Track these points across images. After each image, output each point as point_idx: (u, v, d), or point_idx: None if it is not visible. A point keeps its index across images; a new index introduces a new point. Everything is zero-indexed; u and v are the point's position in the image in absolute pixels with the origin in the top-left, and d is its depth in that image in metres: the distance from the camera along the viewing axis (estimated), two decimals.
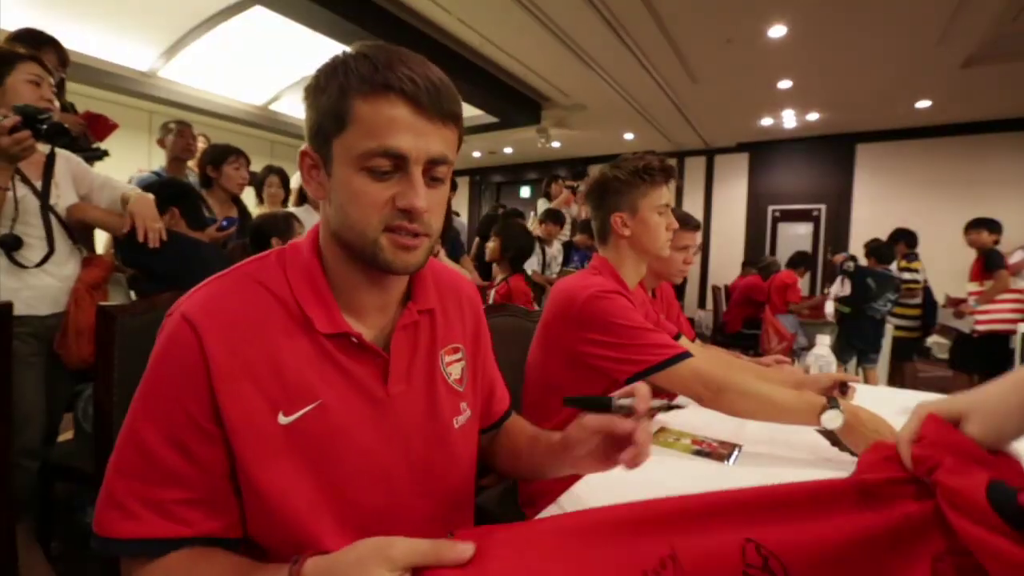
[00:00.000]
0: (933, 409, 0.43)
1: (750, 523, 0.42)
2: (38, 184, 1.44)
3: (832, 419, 0.90)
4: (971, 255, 3.71)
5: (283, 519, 0.54)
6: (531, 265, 4.26)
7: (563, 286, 1.17)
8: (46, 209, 1.44)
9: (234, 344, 0.53)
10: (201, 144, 2.88)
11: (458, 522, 0.69)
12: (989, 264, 3.45)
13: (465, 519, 0.72)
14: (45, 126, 1.31)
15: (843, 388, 1.15)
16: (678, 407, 0.62)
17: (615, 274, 1.22)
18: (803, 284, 5.25)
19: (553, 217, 4.44)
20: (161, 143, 2.62)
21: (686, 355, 1.05)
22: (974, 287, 3.61)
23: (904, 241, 4.15)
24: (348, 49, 0.56)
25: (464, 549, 0.42)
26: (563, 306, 1.14)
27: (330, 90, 0.53)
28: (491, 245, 2.92)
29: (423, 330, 0.66)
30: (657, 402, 0.58)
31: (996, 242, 3.57)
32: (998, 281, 3.37)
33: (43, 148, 1.46)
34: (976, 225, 3.64)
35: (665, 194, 1.19)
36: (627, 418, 0.55)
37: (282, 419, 0.54)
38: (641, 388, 0.57)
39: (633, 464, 0.55)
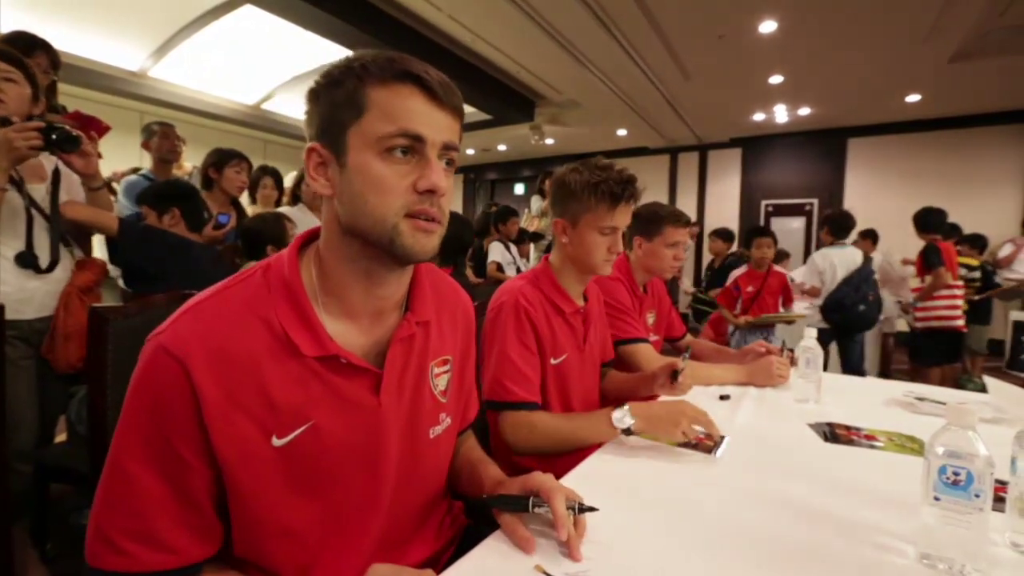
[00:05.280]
0: None
1: None
2: (40, 192, 1.44)
3: (621, 419, 0.93)
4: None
5: (283, 540, 0.56)
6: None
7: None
8: (56, 220, 1.44)
9: (223, 374, 0.52)
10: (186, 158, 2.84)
11: (422, 532, 0.70)
12: (927, 261, 3.43)
13: (430, 528, 0.72)
14: (55, 135, 1.33)
15: (673, 376, 1.11)
16: (592, 509, 0.64)
17: (553, 282, 1.17)
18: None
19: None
20: (146, 146, 2.56)
21: (535, 405, 1.05)
22: (916, 283, 3.63)
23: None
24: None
25: None
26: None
27: (347, 83, 0.56)
28: None
29: (417, 342, 0.66)
30: (570, 502, 0.62)
31: (934, 236, 3.50)
32: (935, 278, 3.35)
33: (48, 163, 1.47)
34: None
35: (614, 216, 1.11)
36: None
37: (276, 441, 0.54)
38: (556, 492, 0.62)
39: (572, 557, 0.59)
